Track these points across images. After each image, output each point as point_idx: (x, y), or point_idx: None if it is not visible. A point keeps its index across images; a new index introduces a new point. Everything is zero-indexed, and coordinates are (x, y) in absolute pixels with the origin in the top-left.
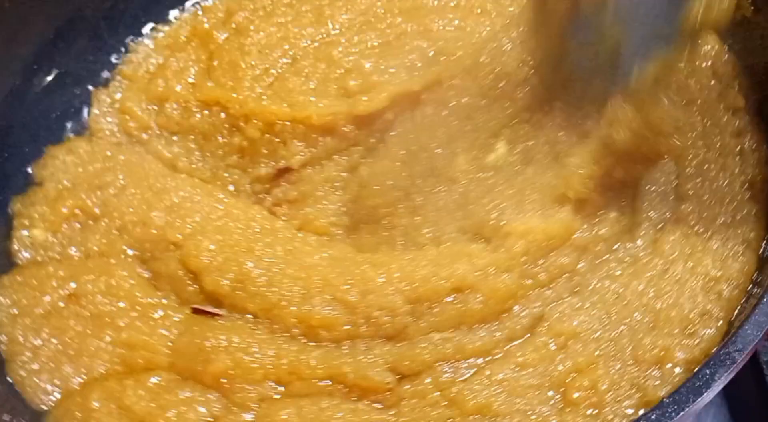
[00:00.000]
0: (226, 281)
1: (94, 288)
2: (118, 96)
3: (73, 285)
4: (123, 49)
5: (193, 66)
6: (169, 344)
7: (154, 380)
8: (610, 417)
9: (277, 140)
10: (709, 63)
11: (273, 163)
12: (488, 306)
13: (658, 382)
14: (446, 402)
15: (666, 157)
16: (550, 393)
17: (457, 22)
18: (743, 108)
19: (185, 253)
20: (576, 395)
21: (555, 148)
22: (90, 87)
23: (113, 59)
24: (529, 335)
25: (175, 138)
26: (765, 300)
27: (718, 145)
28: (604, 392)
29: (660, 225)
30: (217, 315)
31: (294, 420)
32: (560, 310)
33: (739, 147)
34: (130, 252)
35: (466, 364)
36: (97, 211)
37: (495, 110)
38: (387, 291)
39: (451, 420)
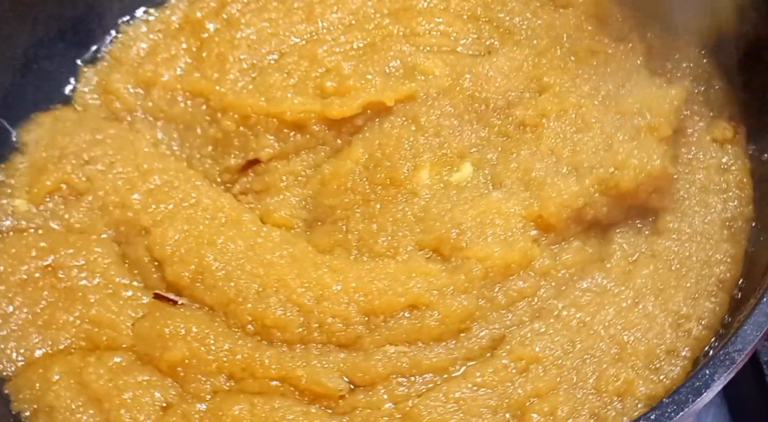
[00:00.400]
0: (187, 273)
1: (71, 262)
2: (105, 76)
3: (51, 257)
4: (114, 31)
5: (183, 56)
6: (132, 325)
7: (116, 359)
8: None
9: (249, 133)
10: (702, 88)
11: (243, 155)
12: (445, 325)
13: (618, 414)
14: (400, 415)
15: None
16: (507, 416)
17: (443, 27)
18: (731, 140)
19: (151, 241)
20: (534, 420)
21: (529, 175)
22: (78, 62)
23: (105, 38)
24: (489, 355)
25: (159, 123)
26: (764, 300)
27: (701, 181)
28: (563, 419)
29: (634, 258)
30: (177, 302)
31: (246, 416)
32: (522, 334)
33: (724, 184)
34: (108, 231)
35: (422, 380)
36: (82, 186)
37: (466, 132)
38: (342, 299)
39: None
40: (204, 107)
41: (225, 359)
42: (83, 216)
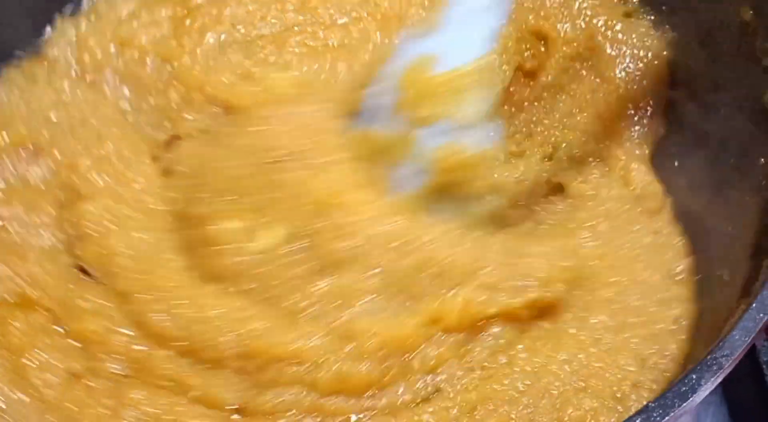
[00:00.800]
0: (99, 253)
1: (20, 217)
2: (83, 30)
3: (4, 210)
4: None
5: (166, 22)
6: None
7: (37, 318)
8: None
9: (183, 107)
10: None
11: (172, 129)
12: (346, 387)
13: None
14: None
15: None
16: None
17: None
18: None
19: (76, 213)
20: None
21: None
22: (56, 14)
23: None
24: (421, 402)
25: (124, 87)
26: (754, 305)
27: (628, 246)
28: None
29: (587, 304)
30: (92, 277)
31: (144, 403)
32: (459, 384)
33: (657, 243)
34: (57, 192)
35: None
36: (44, 144)
37: None
38: (220, 334)
39: None
40: (166, 76)
41: (125, 347)
42: (39, 175)
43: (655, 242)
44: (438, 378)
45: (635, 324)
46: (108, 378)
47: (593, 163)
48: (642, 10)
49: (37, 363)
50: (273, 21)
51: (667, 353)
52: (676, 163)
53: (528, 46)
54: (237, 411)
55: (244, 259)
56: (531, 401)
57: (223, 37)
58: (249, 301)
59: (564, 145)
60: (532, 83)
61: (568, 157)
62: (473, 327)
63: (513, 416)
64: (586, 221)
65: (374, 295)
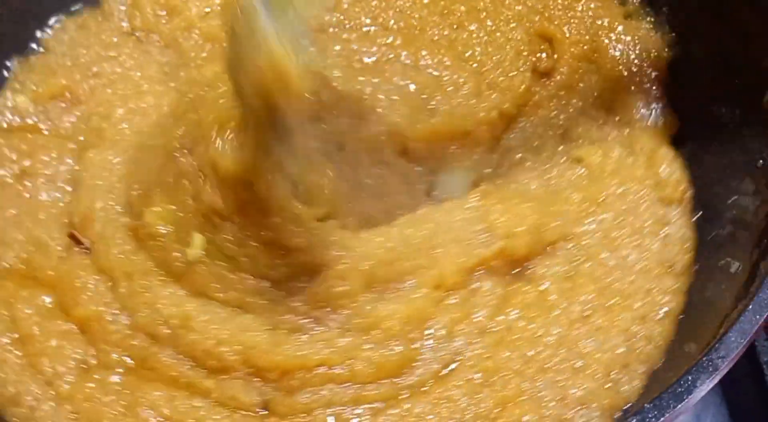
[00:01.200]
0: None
1: (41, 171)
2: None
3: (27, 163)
4: None
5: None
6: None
7: (45, 299)
8: None
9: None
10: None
11: None
12: (382, 371)
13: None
14: None
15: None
16: None
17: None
18: (678, 200)
19: (87, 160)
20: None
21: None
22: None
23: None
24: (445, 373)
25: (168, 52)
26: (750, 307)
27: (634, 226)
28: None
29: (569, 276)
30: (84, 246)
31: (162, 405)
32: (476, 349)
33: (662, 234)
34: (80, 139)
35: (367, 407)
36: (83, 97)
37: None
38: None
39: None
40: (204, 54)
41: (124, 339)
42: (71, 125)
43: (662, 232)
44: (455, 344)
45: (623, 307)
46: (114, 372)
47: (615, 140)
48: (642, 11)
49: (48, 355)
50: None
51: (652, 340)
52: (693, 156)
53: (541, 47)
54: (265, 408)
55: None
56: (536, 375)
57: None
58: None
59: (580, 129)
60: (547, 82)
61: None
62: (465, 283)
63: (524, 387)
64: (596, 194)
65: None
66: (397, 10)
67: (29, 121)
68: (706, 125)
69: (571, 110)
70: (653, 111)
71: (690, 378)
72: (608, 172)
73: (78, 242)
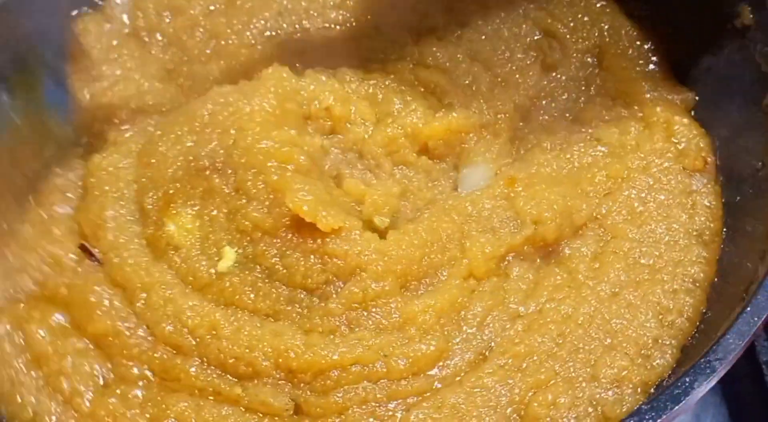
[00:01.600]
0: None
1: (53, 180)
2: None
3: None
4: None
5: None
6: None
7: (57, 317)
8: None
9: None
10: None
11: None
12: (418, 366)
13: (616, 401)
14: None
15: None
16: (509, 411)
17: None
18: (701, 169)
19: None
20: (536, 411)
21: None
22: None
23: None
24: (480, 360)
25: (171, 50)
26: (748, 310)
27: (661, 200)
28: (565, 407)
29: (599, 255)
30: (94, 255)
31: (191, 416)
32: (508, 336)
33: (690, 203)
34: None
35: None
36: (83, 102)
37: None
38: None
39: None
40: (209, 51)
41: (144, 352)
42: (72, 129)
43: (689, 201)
44: (488, 332)
45: (653, 281)
46: (135, 385)
47: (629, 117)
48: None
49: (65, 374)
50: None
51: (684, 312)
52: (711, 122)
53: (549, 43)
54: (296, 412)
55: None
56: (568, 356)
57: (268, 24)
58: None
59: (593, 112)
60: (556, 75)
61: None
62: (497, 271)
63: (557, 369)
64: (619, 171)
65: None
66: (402, 9)
67: None
68: (719, 91)
69: (582, 98)
70: (660, 90)
71: (687, 379)
72: (628, 148)
73: (90, 254)
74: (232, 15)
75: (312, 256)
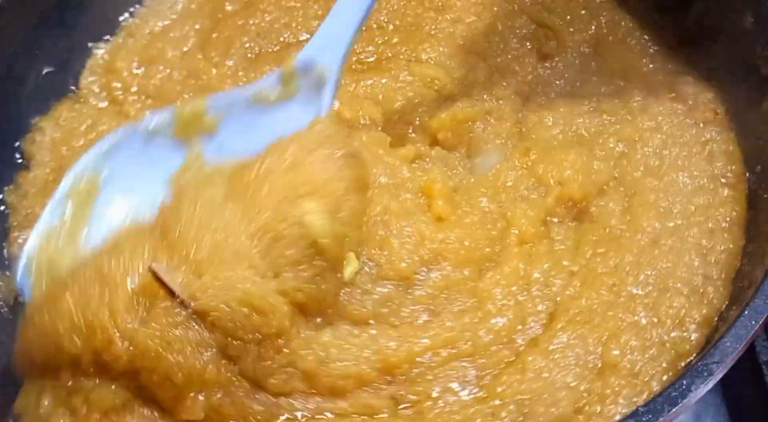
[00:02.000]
0: None
1: None
2: (113, 52)
3: None
4: (138, 5)
5: (193, 36)
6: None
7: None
8: (646, 378)
9: None
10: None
11: None
12: (502, 336)
13: (683, 338)
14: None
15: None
16: (590, 358)
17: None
18: (712, 121)
19: None
20: (615, 356)
21: None
22: (90, 44)
23: (123, 16)
24: (548, 322)
25: (149, 102)
26: (746, 313)
27: (676, 153)
28: (639, 350)
29: (626, 208)
30: (176, 297)
31: None
32: (569, 294)
33: (706, 152)
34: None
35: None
36: None
37: None
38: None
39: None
40: (190, 92)
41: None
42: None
43: (705, 149)
44: (552, 292)
45: (688, 225)
46: None
47: (632, 88)
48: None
49: None
50: (297, 29)
51: (725, 249)
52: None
53: (544, 33)
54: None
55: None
56: (628, 303)
57: (248, 45)
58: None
59: (592, 87)
60: (552, 64)
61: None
62: (542, 234)
63: (621, 317)
64: (631, 133)
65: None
66: (391, 9)
67: None
68: (719, 42)
69: (578, 81)
70: (660, 62)
71: (684, 382)
72: (636, 113)
73: (163, 284)
74: (209, 49)
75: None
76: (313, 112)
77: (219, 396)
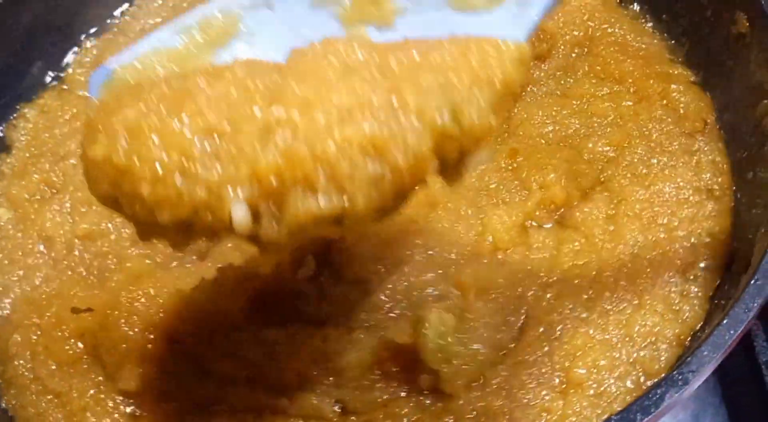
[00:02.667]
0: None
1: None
2: (104, 46)
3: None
4: (129, 4)
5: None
6: None
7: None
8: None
9: None
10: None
11: None
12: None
13: (653, 357)
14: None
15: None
16: (553, 381)
17: None
18: (701, 131)
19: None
20: (578, 377)
21: None
22: (81, 37)
23: (117, 12)
24: (518, 332)
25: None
26: (725, 322)
27: (664, 162)
28: (604, 370)
29: (609, 217)
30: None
31: None
32: (540, 306)
33: (694, 162)
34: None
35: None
36: (58, 184)
37: None
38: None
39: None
40: None
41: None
42: (53, 216)
43: (693, 160)
44: (522, 303)
45: (670, 238)
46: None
47: (624, 93)
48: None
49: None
50: None
51: (704, 264)
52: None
53: (537, 35)
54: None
55: None
56: (600, 319)
57: None
58: None
59: (582, 90)
60: (543, 65)
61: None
62: (519, 239)
63: (591, 333)
64: (620, 139)
65: None
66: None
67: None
68: (713, 48)
69: (570, 79)
70: (654, 66)
71: (658, 391)
72: (627, 118)
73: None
74: None
75: None
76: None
77: (154, 368)
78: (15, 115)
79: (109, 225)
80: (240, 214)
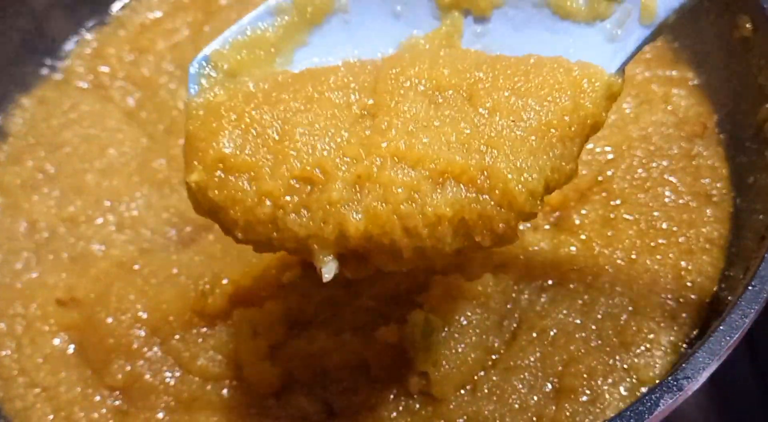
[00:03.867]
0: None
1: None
2: (104, 39)
3: None
4: None
5: (185, 28)
6: None
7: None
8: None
9: None
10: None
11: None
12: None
13: (647, 364)
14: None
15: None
16: (546, 387)
17: None
18: (701, 134)
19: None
20: (571, 384)
21: None
22: (81, 30)
23: (117, 5)
24: (510, 338)
25: (134, 89)
26: (721, 328)
27: (663, 166)
28: (598, 376)
29: (606, 221)
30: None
31: None
32: (534, 310)
33: (693, 167)
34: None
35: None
36: (52, 173)
37: None
38: None
39: None
40: (173, 85)
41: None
42: (46, 208)
43: (693, 164)
44: (516, 308)
45: (668, 244)
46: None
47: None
48: None
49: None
50: None
51: (702, 271)
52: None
53: None
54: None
55: None
56: (595, 325)
57: None
58: None
59: None
60: None
61: None
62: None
63: (586, 339)
64: (619, 142)
65: None
66: None
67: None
68: (716, 51)
69: None
70: (654, 69)
71: (654, 397)
72: (627, 120)
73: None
74: (201, 42)
75: None
76: (602, 56)
77: (140, 364)
78: (13, 105)
79: (96, 211)
80: (329, 274)
